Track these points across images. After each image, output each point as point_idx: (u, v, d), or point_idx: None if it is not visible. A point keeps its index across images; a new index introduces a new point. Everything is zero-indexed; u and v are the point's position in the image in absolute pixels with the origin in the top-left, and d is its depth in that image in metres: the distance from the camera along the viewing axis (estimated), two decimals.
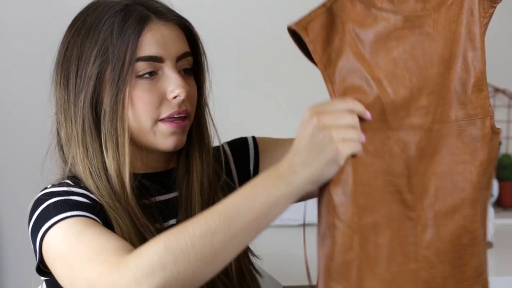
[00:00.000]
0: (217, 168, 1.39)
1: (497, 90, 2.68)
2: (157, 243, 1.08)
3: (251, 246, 1.43)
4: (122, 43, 1.25)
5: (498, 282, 1.80)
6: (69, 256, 1.17)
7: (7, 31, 2.37)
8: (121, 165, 1.26)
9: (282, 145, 1.45)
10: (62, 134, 1.30)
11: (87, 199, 1.24)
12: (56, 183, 1.31)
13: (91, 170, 1.26)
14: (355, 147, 1.06)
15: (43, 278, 1.29)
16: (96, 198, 1.25)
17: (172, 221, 1.34)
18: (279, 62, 2.52)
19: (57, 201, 1.23)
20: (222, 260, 1.08)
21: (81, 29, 1.29)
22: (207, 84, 1.38)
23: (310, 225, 2.50)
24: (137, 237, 1.24)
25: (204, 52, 1.36)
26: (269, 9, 2.54)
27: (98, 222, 1.22)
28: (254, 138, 1.49)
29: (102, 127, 1.26)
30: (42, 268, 1.26)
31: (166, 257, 1.06)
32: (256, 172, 1.45)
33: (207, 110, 1.38)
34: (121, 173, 1.26)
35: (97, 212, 1.23)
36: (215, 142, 1.41)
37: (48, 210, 1.22)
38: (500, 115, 2.72)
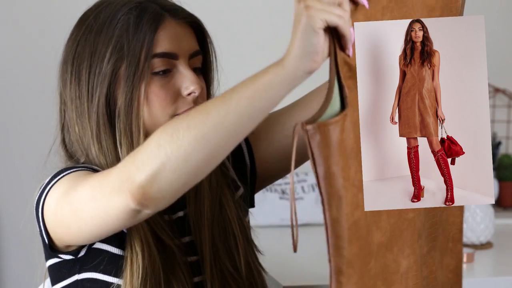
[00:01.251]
0: (223, 168, 1.40)
1: (497, 90, 2.68)
2: (159, 129, 1.10)
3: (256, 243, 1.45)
4: (138, 40, 1.25)
5: (498, 282, 1.80)
6: (68, 187, 1.19)
7: (7, 30, 2.37)
8: None
9: (269, 125, 1.45)
10: (76, 130, 1.30)
11: None
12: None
13: (106, 163, 1.27)
14: (332, 17, 1.03)
15: (49, 263, 1.29)
16: None
17: (180, 213, 1.35)
18: None
19: (56, 172, 1.25)
20: (214, 141, 1.07)
21: (92, 26, 1.28)
22: (215, 83, 1.38)
23: (310, 225, 2.50)
24: (149, 232, 1.25)
25: (214, 51, 1.37)
26: (274, 8, 2.54)
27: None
28: None
29: (116, 124, 1.26)
30: (50, 250, 1.26)
31: (162, 138, 1.08)
32: (252, 160, 1.46)
33: None
34: None
35: None
36: None
37: (48, 182, 1.24)
38: (500, 115, 2.72)
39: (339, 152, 1.07)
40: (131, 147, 1.25)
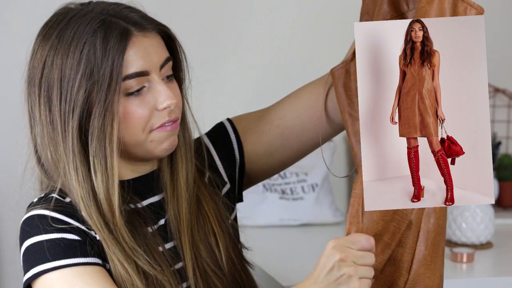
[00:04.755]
0: (198, 165, 1.40)
1: (497, 90, 2.68)
2: None
3: (241, 239, 1.45)
4: (107, 63, 1.23)
5: (498, 282, 1.80)
6: None
7: (9, 31, 2.37)
8: (110, 187, 1.25)
9: (259, 117, 1.46)
10: (48, 155, 1.28)
11: (78, 233, 1.25)
12: (42, 198, 1.31)
13: (82, 196, 1.25)
14: (368, 286, 1.15)
15: None
16: (85, 229, 1.26)
17: (161, 221, 1.34)
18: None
19: (51, 239, 1.24)
20: None
21: (57, 47, 1.25)
22: (186, 81, 1.37)
23: (310, 225, 2.50)
24: (127, 262, 1.25)
25: (183, 52, 1.35)
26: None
27: (96, 264, 1.24)
28: (230, 120, 1.49)
29: (90, 149, 1.25)
30: None
31: None
32: (241, 155, 1.45)
33: (187, 106, 1.38)
34: (109, 194, 1.25)
35: (92, 245, 1.25)
36: (195, 135, 1.42)
37: (42, 248, 1.24)
38: (500, 115, 2.71)
39: None
40: (105, 172, 1.24)
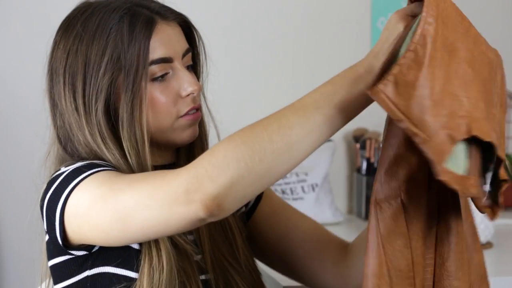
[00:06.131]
0: None
1: None
2: (232, 138, 1.09)
3: None
4: (133, 49, 1.25)
5: (498, 282, 1.80)
6: (108, 190, 1.17)
7: (9, 30, 2.37)
8: (144, 168, 1.26)
9: (283, 204, 1.46)
10: (81, 139, 1.28)
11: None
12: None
13: (123, 170, 1.26)
14: None
15: (53, 262, 1.27)
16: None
17: None
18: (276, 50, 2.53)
19: (78, 166, 1.23)
20: (296, 156, 1.09)
21: (82, 35, 1.27)
22: (204, 74, 1.40)
23: None
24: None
25: (203, 44, 1.38)
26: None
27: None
28: None
29: (121, 134, 1.26)
30: (62, 247, 1.24)
31: (241, 150, 1.07)
32: (252, 210, 1.45)
33: (203, 100, 1.40)
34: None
35: None
36: (211, 128, 1.43)
37: (69, 174, 1.22)
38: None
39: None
40: (138, 156, 1.26)
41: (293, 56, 2.55)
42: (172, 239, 1.26)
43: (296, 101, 1.11)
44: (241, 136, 1.09)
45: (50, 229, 1.23)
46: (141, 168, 1.26)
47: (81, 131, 1.28)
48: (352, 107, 1.10)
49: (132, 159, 1.26)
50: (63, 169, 1.25)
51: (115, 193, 1.17)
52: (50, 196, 1.23)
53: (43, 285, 1.35)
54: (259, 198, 1.46)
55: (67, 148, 1.31)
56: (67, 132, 1.30)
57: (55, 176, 1.25)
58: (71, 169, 1.23)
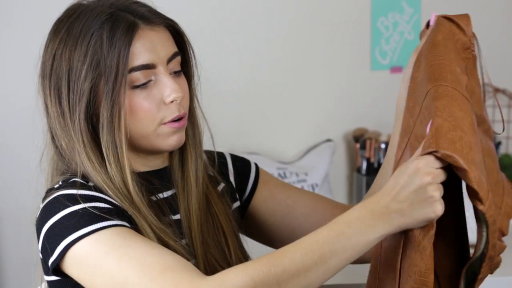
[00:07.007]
0: (206, 162, 1.42)
1: (497, 90, 2.68)
2: (243, 273, 1.10)
3: (241, 239, 1.46)
4: (113, 55, 1.24)
5: (498, 282, 1.80)
6: (117, 272, 1.16)
7: (8, 29, 2.37)
8: (124, 176, 1.26)
9: (281, 185, 1.48)
10: (63, 145, 1.29)
11: (109, 204, 1.24)
12: (66, 182, 1.29)
13: (103, 180, 1.26)
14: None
15: (48, 278, 1.28)
16: (116, 202, 1.26)
17: (176, 216, 1.35)
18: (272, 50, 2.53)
19: (81, 209, 1.22)
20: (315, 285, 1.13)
21: (66, 40, 1.27)
22: (195, 78, 1.39)
23: None
24: (155, 238, 1.25)
25: (191, 48, 1.37)
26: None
27: (132, 230, 1.22)
28: (256, 165, 1.52)
29: (102, 140, 1.26)
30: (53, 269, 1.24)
31: (256, 276, 1.10)
32: (249, 198, 1.47)
33: (196, 103, 1.39)
34: (125, 182, 1.27)
35: (123, 216, 1.24)
36: (205, 132, 1.43)
37: (73, 217, 1.21)
38: (500, 115, 2.71)
39: None
40: (118, 162, 1.26)
41: (293, 56, 2.54)
42: (165, 244, 1.26)
43: (313, 239, 1.14)
44: (253, 273, 1.11)
45: (45, 254, 1.24)
46: (120, 175, 1.26)
47: (66, 136, 1.28)
48: (365, 248, 1.13)
49: (111, 167, 1.25)
50: (59, 192, 1.25)
51: (120, 267, 1.16)
52: (49, 228, 1.22)
53: (43, 285, 1.35)
54: (255, 185, 1.46)
55: (59, 150, 1.31)
56: (55, 135, 1.31)
57: (54, 202, 1.24)
58: (73, 210, 1.22)
